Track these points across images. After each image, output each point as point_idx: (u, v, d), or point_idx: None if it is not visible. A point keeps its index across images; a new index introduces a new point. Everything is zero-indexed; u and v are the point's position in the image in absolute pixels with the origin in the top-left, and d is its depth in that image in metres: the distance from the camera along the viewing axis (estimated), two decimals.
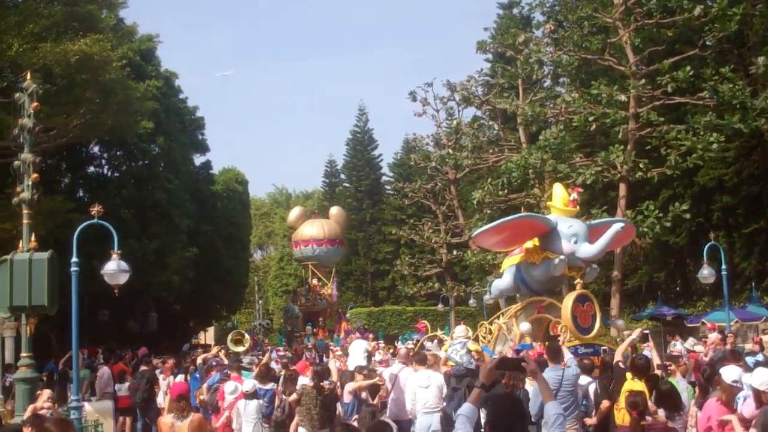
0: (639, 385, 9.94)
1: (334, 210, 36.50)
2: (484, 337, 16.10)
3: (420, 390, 12.51)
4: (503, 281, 16.69)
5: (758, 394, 8.03)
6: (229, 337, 22.13)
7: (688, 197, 29.07)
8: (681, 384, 9.74)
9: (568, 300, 14.47)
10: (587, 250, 14.80)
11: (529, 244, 15.43)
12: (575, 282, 14.94)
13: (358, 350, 17.95)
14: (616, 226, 14.89)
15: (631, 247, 28.14)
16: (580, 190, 17.20)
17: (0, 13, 21.08)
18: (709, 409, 8.59)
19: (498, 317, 16.63)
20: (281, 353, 21.62)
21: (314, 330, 31.52)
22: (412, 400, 12.41)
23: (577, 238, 14.84)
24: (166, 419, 9.54)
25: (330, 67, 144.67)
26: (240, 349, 20.95)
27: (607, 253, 28.84)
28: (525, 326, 14.83)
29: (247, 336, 22.51)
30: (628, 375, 10.34)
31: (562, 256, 14.72)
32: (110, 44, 24.06)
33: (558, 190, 16.17)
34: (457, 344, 12.73)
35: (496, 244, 17.29)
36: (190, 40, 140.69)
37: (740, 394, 8.21)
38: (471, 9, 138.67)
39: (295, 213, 35.78)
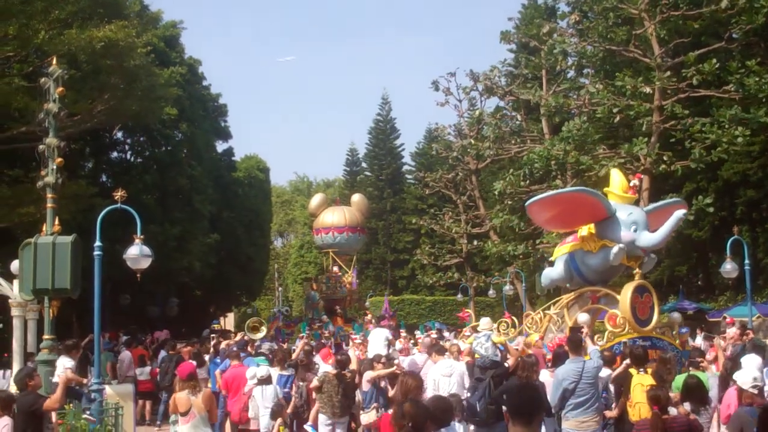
0: (648, 378, 9.91)
1: (356, 197, 36.36)
2: (529, 327, 15.60)
3: (443, 378, 12.55)
4: (555, 270, 16.06)
5: (739, 392, 7.99)
6: (247, 323, 22.24)
7: (711, 191, 28.90)
8: (711, 380, 9.69)
9: (627, 291, 13.88)
10: (648, 239, 14.19)
11: (584, 231, 14.78)
12: (634, 272, 14.38)
13: (378, 339, 18.02)
14: (678, 214, 14.15)
15: None
16: (641, 176, 16.53)
17: None
18: (730, 399, 8.58)
19: (548, 307, 16.01)
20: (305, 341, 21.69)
21: (331, 317, 31.60)
22: (434, 389, 12.39)
23: (636, 226, 14.18)
24: (181, 394, 10.32)
25: (354, 55, 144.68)
26: (257, 336, 21.04)
27: None
28: (583, 317, 14.10)
29: (264, 323, 22.61)
30: (633, 370, 10.32)
31: (621, 245, 14.08)
32: (135, 31, 24.13)
33: (616, 175, 15.57)
34: (482, 337, 12.68)
35: (549, 221, 16.37)
36: (214, 27, 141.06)
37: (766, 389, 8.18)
38: None
39: (316, 200, 35.68)
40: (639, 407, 9.91)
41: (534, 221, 17.05)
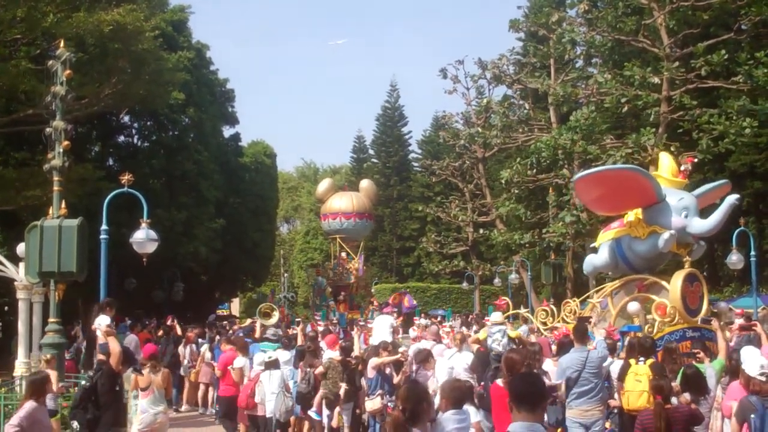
0: (643, 369, 9.90)
1: (365, 183, 36.18)
2: (567, 316, 15.06)
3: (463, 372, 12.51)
4: (599, 257, 15.34)
5: (747, 380, 8.06)
6: (259, 309, 22.26)
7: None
8: (708, 370, 9.69)
9: (678, 279, 13.31)
10: (700, 225, 13.64)
11: (631, 217, 14.12)
12: (684, 260, 13.80)
13: (383, 325, 18.03)
14: (730, 199, 13.64)
15: None
16: (694, 159, 15.78)
17: None
18: (733, 392, 8.59)
19: (590, 295, 15.54)
20: (322, 328, 21.66)
21: (336, 303, 31.62)
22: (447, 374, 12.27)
23: (687, 211, 13.61)
24: (144, 373, 11.55)
25: (362, 42, 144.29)
26: (269, 322, 21.07)
27: None
28: (634, 306, 13.57)
29: (276, 309, 22.61)
30: (632, 360, 10.30)
31: (672, 231, 13.47)
32: (143, 14, 24.07)
33: (665, 158, 14.95)
34: (497, 332, 12.60)
35: (596, 200, 15.43)
36: (222, 12, 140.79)
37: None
38: None
39: (324, 185, 35.50)
40: (628, 396, 9.90)
41: (581, 200, 16.32)
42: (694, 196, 14.20)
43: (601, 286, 15.52)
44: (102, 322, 11.44)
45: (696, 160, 14.57)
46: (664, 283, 13.75)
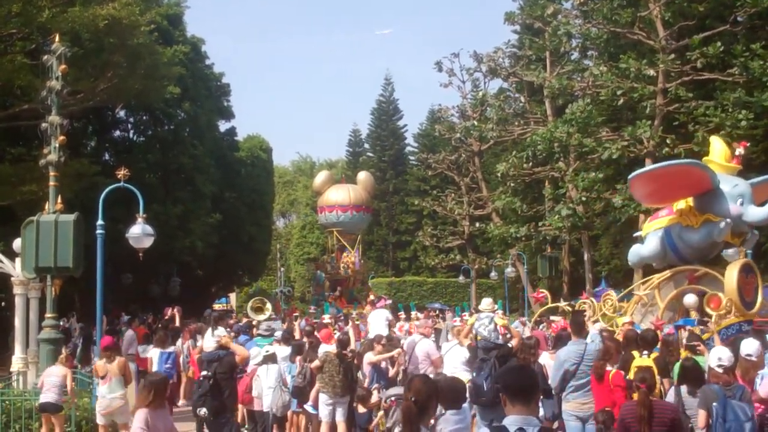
0: (647, 361, 9.93)
1: (362, 175, 36.03)
2: (608, 309, 14.71)
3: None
4: (648, 247, 14.74)
5: (708, 371, 8.24)
6: (249, 304, 22.19)
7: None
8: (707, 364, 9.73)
9: (733, 270, 12.80)
10: (756, 213, 13.02)
11: (681, 205, 13.72)
12: (738, 249, 13.36)
13: (378, 319, 18.03)
14: None
15: None
16: (747, 144, 15.17)
17: None
18: None
19: (637, 287, 15.13)
20: (326, 321, 21.65)
21: (333, 296, 31.62)
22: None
23: (743, 198, 13.00)
24: (100, 362, 12.28)
25: (357, 35, 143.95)
26: (261, 317, 21.02)
27: (630, 228, 28.81)
28: (690, 298, 13.09)
29: (268, 303, 22.56)
30: (635, 352, 10.32)
31: (728, 219, 12.93)
32: (138, 9, 24.03)
33: (717, 143, 14.36)
34: (485, 318, 12.58)
35: (649, 195, 14.89)
36: (218, 6, 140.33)
37: (760, 373, 8.22)
38: None
39: (321, 177, 35.37)
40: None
41: (633, 195, 15.71)
42: (748, 183, 13.57)
43: (648, 278, 15.02)
44: (220, 333, 12.17)
45: (742, 152, 14.11)
46: (716, 274, 13.27)
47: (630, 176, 14.02)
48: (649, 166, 14.55)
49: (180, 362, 18.87)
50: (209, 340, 12.44)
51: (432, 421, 6.26)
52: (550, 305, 18.25)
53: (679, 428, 7.59)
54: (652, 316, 13.61)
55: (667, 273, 14.38)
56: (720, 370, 8.07)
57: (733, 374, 8.25)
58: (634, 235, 17.12)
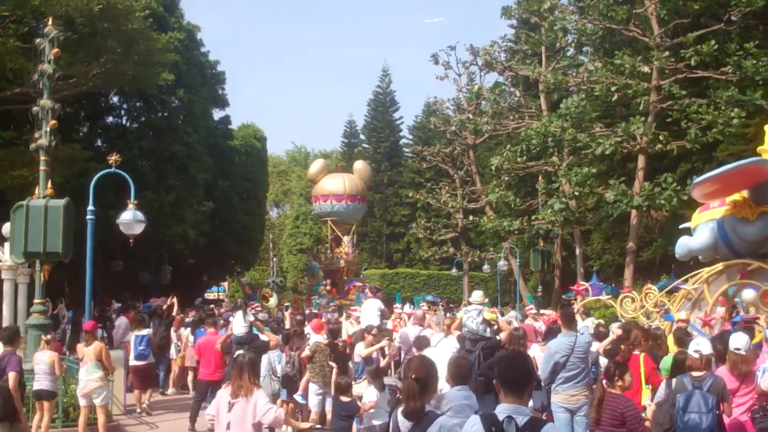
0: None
1: (359, 164, 35.81)
2: (649, 303, 14.43)
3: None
4: (698, 239, 14.22)
5: (733, 364, 8.41)
6: (257, 292, 22.25)
7: (706, 171, 28.78)
8: None
9: None
10: None
11: (735, 196, 13.27)
12: None
13: (371, 309, 18.03)
14: None
15: (647, 219, 28.06)
16: None
17: None
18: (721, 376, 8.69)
19: (685, 280, 14.68)
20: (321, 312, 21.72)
21: (327, 288, 31.60)
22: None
23: None
24: (80, 345, 12.99)
25: (355, 26, 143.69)
26: (269, 304, 21.16)
27: (621, 223, 28.85)
28: (750, 293, 12.54)
29: (274, 294, 22.62)
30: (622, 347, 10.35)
31: None
32: None
33: None
34: (473, 311, 12.55)
35: (711, 194, 14.24)
36: None
37: (761, 366, 8.26)
38: None
39: (316, 166, 35.16)
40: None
41: (693, 195, 14.85)
42: None
43: (697, 272, 14.53)
44: (250, 319, 12.94)
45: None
46: None
47: (696, 180, 13.53)
48: (716, 170, 13.53)
49: (171, 351, 18.96)
50: (239, 324, 12.88)
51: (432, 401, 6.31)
52: (590, 298, 17.95)
53: (632, 422, 7.71)
54: (701, 312, 13.25)
55: (719, 266, 13.93)
56: (696, 355, 8.20)
57: (709, 364, 8.35)
58: (681, 226, 16.58)
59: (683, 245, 14.91)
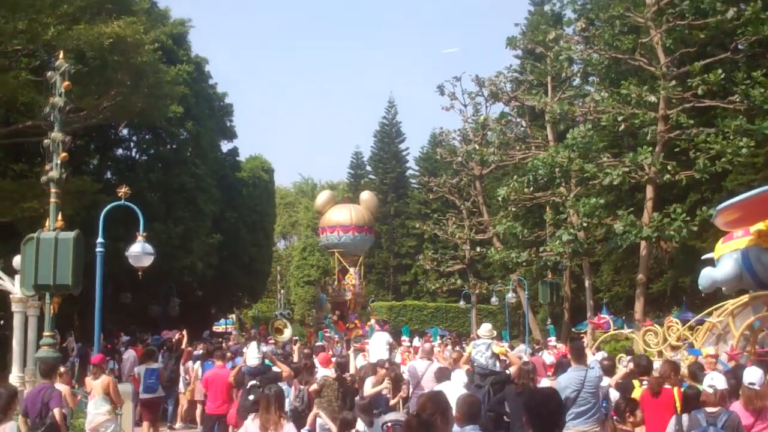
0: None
1: (365, 195, 35.66)
2: (671, 336, 14.22)
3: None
4: (723, 270, 14.00)
5: (747, 399, 8.28)
6: (271, 323, 21.99)
7: (716, 201, 28.73)
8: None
9: None
10: None
11: (759, 225, 13.05)
12: None
13: (380, 343, 17.91)
14: None
15: (657, 250, 27.91)
16: None
17: None
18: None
19: (709, 313, 14.48)
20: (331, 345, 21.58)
21: (334, 320, 31.46)
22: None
23: None
24: (88, 379, 12.92)
25: (360, 58, 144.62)
26: (282, 338, 20.93)
27: (631, 254, 28.70)
28: None
29: (289, 325, 22.40)
30: (635, 381, 10.22)
31: None
32: (143, 27, 24.08)
33: None
34: (482, 345, 12.43)
35: (734, 222, 14.05)
36: (222, 26, 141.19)
37: None
38: (502, 4, 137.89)
39: (323, 197, 35.06)
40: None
41: (717, 223, 14.65)
42: None
43: (721, 304, 14.34)
44: (265, 349, 13.21)
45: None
46: None
47: (719, 207, 13.39)
48: (739, 196, 13.40)
49: (180, 384, 18.85)
50: (253, 355, 12.96)
51: None
52: (612, 331, 17.71)
53: None
54: (726, 345, 13.00)
55: (744, 298, 13.74)
56: (710, 390, 8.09)
57: (724, 400, 8.22)
58: (704, 257, 16.35)
59: (707, 277, 14.69)
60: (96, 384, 12.53)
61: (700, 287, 15.43)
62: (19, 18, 20.30)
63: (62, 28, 21.07)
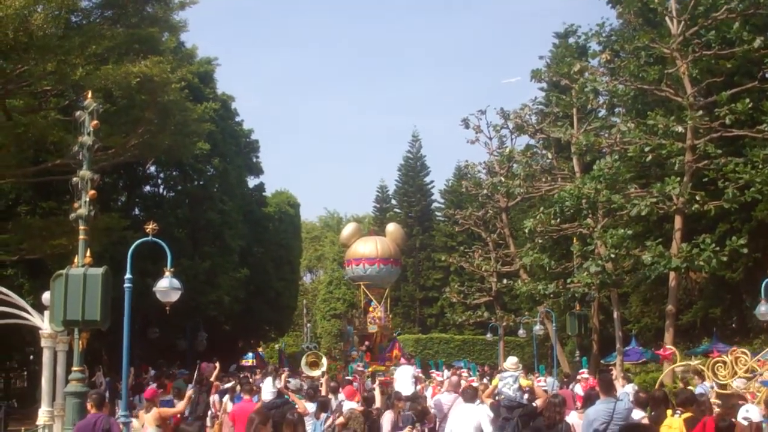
0: (677, 422, 9.70)
1: (391, 227, 35.51)
2: (722, 369, 14.24)
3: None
4: None
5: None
6: (303, 360, 21.75)
7: (745, 231, 28.48)
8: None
9: None
10: None
11: None
12: None
13: (405, 376, 17.82)
14: None
15: (686, 281, 27.63)
16: None
17: (65, 34, 21.47)
18: None
19: None
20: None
21: (363, 353, 31.34)
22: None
23: None
24: (142, 412, 13.56)
25: (384, 93, 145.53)
26: (316, 373, 20.70)
27: (660, 285, 28.39)
28: None
29: (324, 359, 22.15)
30: (669, 411, 10.07)
31: None
32: (170, 66, 24.40)
33: None
34: (509, 378, 12.33)
35: None
36: (247, 64, 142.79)
37: None
38: (526, 37, 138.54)
39: (349, 229, 34.96)
40: None
41: None
42: None
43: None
44: (279, 384, 13.63)
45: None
46: None
47: None
48: None
49: (207, 418, 18.85)
50: (267, 390, 12.82)
51: None
52: (680, 363, 17.47)
53: None
54: None
55: None
56: (744, 423, 8.09)
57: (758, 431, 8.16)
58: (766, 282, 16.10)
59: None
60: (148, 417, 12.94)
61: (759, 317, 15.61)
62: (48, 60, 20.64)
63: (90, 69, 21.38)
